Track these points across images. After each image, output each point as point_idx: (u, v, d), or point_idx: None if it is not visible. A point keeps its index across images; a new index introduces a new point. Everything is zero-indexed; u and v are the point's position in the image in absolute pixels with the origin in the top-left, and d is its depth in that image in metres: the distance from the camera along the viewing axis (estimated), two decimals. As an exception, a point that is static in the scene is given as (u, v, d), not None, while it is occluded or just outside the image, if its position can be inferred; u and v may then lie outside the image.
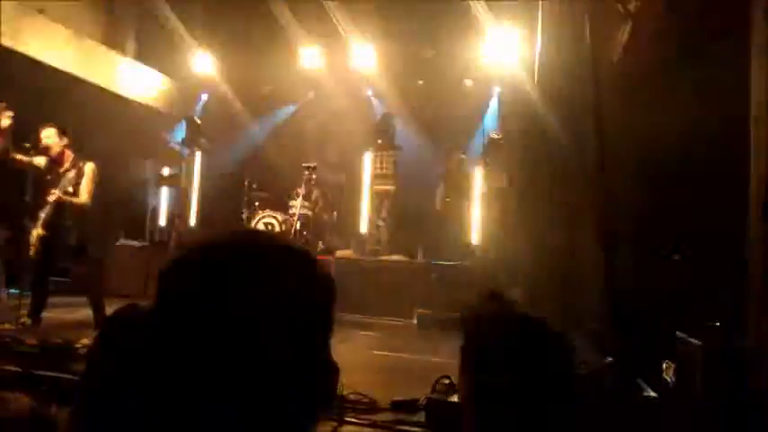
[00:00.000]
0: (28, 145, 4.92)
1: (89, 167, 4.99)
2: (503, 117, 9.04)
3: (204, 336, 0.63)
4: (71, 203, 4.88)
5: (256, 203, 9.13)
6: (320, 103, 10.87)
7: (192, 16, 10.01)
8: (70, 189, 4.81)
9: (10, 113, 4.86)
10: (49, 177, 4.91)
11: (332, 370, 0.72)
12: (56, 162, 4.96)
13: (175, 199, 9.86)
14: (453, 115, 9.37)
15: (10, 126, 4.83)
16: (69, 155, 5.00)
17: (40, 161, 4.89)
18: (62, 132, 5.01)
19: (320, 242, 8.90)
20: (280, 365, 0.65)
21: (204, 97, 10.79)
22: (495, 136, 8.58)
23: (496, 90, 9.46)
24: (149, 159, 9.72)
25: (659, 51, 5.58)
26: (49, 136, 4.96)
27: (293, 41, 9.66)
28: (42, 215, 4.81)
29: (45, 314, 5.12)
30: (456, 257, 8.43)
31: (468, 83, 9.35)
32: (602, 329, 6.13)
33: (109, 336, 1.45)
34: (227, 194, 9.88)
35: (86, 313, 5.06)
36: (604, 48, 6.11)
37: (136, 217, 9.72)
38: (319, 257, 8.03)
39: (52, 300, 5.34)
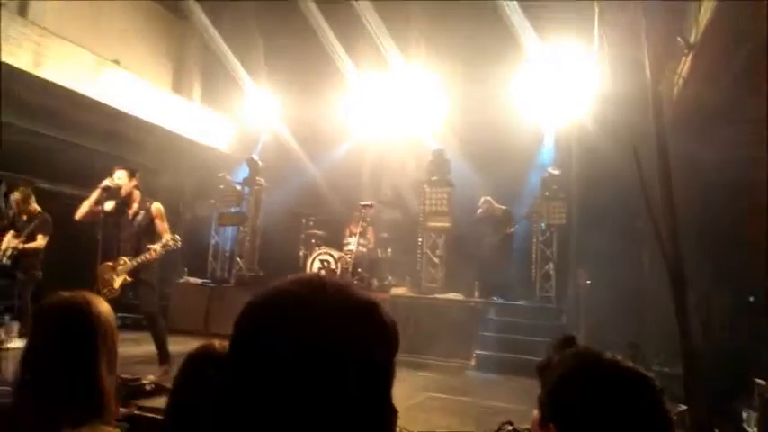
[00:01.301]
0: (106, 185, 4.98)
1: (156, 208, 5.12)
2: (560, 151, 8.86)
3: (274, 380, 0.67)
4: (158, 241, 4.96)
5: (313, 241, 9.28)
6: (374, 142, 11.06)
7: (253, 62, 10.54)
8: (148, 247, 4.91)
9: (122, 174, 5.02)
10: (113, 217, 4.97)
11: (391, 412, 0.74)
12: (125, 203, 5.10)
13: (236, 237, 10.18)
14: (507, 151, 9.27)
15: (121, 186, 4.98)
16: (138, 195, 5.16)
17: (110, 204, 4.98)
18: (132, 174, 5.17)
19: (375, 279, 8.89)
20: (344, 409, 0.67)
21: (264, 138, 11.23)
22: (554, 171, 8.41)
23: (553, 124, 9.33)
24: (212, 199, 10.11)
25: (720, 84, 5.37)
26: (120, 177, 5.10)
27: (347, 82, 9.96)
28: (126, 261, 4.88)
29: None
30: (514, 296, 8.21)
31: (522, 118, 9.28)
32: (672, 373, 5.75)
33: (188, 375, 1.49)
34: (286, 232, 10.10)
35: (151, 348, 5.22)
36: (664, 79, 5.95)
37: (198, 255, 10.08)
38: (374, 295, 8.01)
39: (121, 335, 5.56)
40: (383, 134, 10.86)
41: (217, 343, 1.54)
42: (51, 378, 1.37)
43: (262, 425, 0.68)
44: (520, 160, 9.24)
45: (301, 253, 9.36)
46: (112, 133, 9.07)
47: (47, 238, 6.37)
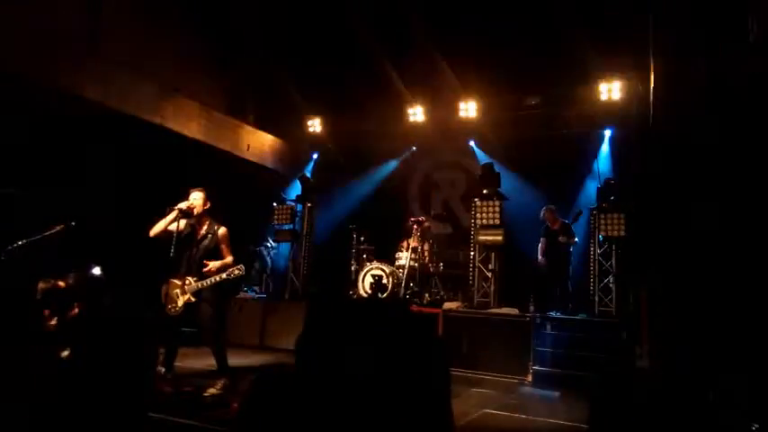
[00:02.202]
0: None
1: (222, 233, 5.27)
2: (617, 161, 8.60)
3: (341, 398, 0.68)
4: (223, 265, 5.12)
5: (364, 256, 9.35)
6: (423, 156, 11.10)
7: (304, 81, 10.82)
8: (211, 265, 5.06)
9: (198, 196, 5.21)
10: (183, 237, 5.09)
11: (451, 429, 0.75)
12: (195, 225, 5.23)
13: (290, 253, 10.39)
14: (561, 162, 9.08)
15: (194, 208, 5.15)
16: (207, 219, 5.29)
17: (181, 223, 5.10)
18: (207, 198, 5.31)
19: (426, 294, 8.84)
20: (407, 426, 0.68)
21: (315, 156, 11.46)
22: (612, 181, 8.17)
23: (607, 133, 9.09)
24: (267, 216, 10.38)
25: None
26: (197, 198, 5.25)
27: (396, 98, 10.06)
28: (192, 282, 5.04)
29: (177, 363, 5.51)
30: (570, 311, 7.96)
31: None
32: (741, 386, 5.40)
33: (257, 396, 1.54)
34: (337, 248, 10.23)
35: (211, 362, 5.37)
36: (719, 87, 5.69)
37: (254, 270, 10.35)
38: (426, 310, 7.98)
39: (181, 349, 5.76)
40: (432, 150, 10.90)
41: (280, 364, 1.58)
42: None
43: None
44: (576, 170, 9.03)
45: (353, 268, 9.44)
46: (172, 156, 9.51)
47: None
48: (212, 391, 4.96)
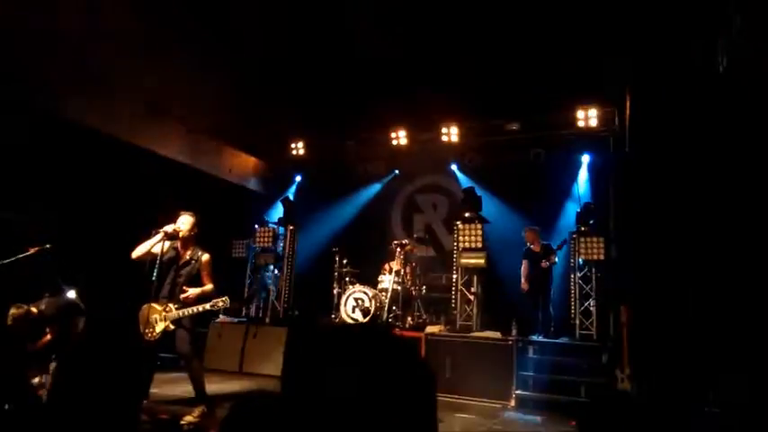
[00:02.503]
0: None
1: (205, 260, 5.15)
2: (596, 185, 8.74)
3: (323, 424, 0.67)
4: (202, 294, 5.02)
5: (347, 279, 9.29)
6: (406, 179, 11.16)
7: (287, 104, 10.85)
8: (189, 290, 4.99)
9: (187, 220, 5.11)
10: (165, 261, 4.97)
11: None
12: (179, 249, 5.12)
13: (272, 276, 10.28)
14: (541, 186, 9.21)
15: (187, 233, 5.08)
16: (191, 244, 5.17)
17: (165, 246, 4.95)
18: (196, 224, 5.19)
19: (409, 318, 8.80)
20: None
21: (298, 178, 11.45)
22: (590, 205, 8.28)
23: (585, 159, 9.26)
24: (247, 239, 10.28)
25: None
26: (185, 223, 5.14)
27: (379, 121, 10.14)
28: (173, 310, 4.93)
29: (153, 389, 5.37)
30: (551, 335, 7.98)
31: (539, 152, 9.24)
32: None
33: (235, 423, 1.50)
34: (320, 270, 10.17)
35: (188, 388, 5.25)
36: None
37: (233, 294, 10.19)
38: (408, 334, 7.92)
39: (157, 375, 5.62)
40: (415, 174, 10.98)
41: (260, 392, 1.55)
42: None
43: None
44: (556, 194, 9.16)
45: (335, 291, 9.37)
46: (150, 177, 9.42)
47: None
48: (189, 418, 4.84)
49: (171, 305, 4.96)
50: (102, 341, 1.57)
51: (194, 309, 4.94)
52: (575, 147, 9.12)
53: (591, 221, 8.14)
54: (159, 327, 4.92)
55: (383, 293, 8.65)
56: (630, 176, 7.28)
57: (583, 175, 9.13)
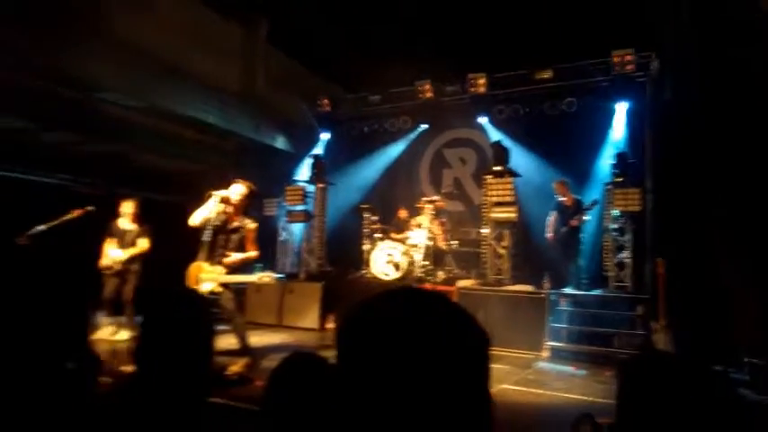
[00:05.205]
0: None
1: (251, 228, 5.29)
2: (632, 134, 8.45)
3: (383, 387, 0.69)
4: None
5: (376, 235, 9.37)
6: (434, 134, 11.02)
7: (315, 62, 10.74)
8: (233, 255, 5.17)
9: (239, 189, 5.23)
10: (215, 225, 5.09)
11: (491, 408, 0.76)
12: (228, 215, 5.22)
13: (303, 233, 10.44)
14: (574, 137, 8.96)
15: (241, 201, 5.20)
16: (240, 213, 5.27)
17: (215, 210, 5.07)
18: (248, 195, 5.29)
19: (440, 272, 8.88)
20: (450, 413, 0.70)
21: (326, 136, 11.42)
22: (626, 155, 8.05)
23: (622, 106, 8.94)
24: (279, 197, 10.40)
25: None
26: (237, 191, 5.25)
27: (406, 75, 9.95)
28: (223, 274, 5.09)
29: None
30: (584, 287, 7.97)
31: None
32: (762, 364, 5.41)
33: (284, 379, 1.56)
34: (350, 227, 10.27)
35: (232, 341, 5.46)
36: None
37: (268, 251, 10.41)
38: (440, 288, 8.01)
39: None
40: (443, 128, 10.82)
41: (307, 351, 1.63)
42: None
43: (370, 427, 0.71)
44: (590, 145, 8.91)
45: (365, 247, 9.47)
46: (182, 139, 9.51)
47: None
48: (234, 368, 5.05)
49: (221, 269, 5.15)
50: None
51: (242, 278, 5.22)
52: (609, 94, 8.78)
53: (627, 172, 7.93)
54: (207, 287, 5.10)
55: (413, 249, 8.72)
56: (671, 123, 7.01)
57: (618, 124, 8.81)
